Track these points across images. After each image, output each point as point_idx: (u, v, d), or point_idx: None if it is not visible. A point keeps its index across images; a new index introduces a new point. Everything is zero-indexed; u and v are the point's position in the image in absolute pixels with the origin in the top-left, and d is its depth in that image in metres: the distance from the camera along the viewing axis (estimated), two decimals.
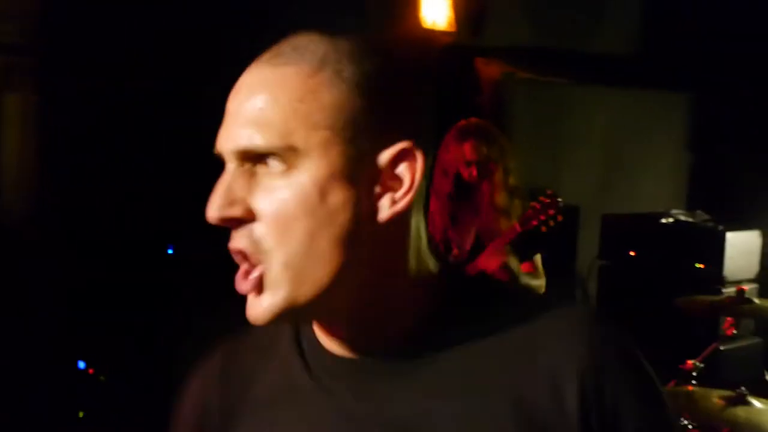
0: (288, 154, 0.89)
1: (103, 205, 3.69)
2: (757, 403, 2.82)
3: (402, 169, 0.92)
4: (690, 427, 2.98)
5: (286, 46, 0.96)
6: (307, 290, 0.90)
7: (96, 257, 3.55)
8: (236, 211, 0.90)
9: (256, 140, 0.89)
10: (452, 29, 4.76)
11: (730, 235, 4.00)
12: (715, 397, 2.88)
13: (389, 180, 0.92)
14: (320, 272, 0.90)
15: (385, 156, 0.91)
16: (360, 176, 0.90)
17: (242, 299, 0.93)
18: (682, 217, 4.26)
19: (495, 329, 0.96)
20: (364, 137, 0.90)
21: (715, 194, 5.05)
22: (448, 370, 0.94)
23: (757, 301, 3.03)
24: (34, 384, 3.34)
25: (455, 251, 3.13)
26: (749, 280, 4.00)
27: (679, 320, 3.85)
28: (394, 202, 0.92)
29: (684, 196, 5.46)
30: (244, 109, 0.91)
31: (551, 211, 2.92)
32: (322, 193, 0.88)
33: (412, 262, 0.96)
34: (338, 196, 0.89)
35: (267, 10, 4.07)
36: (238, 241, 0.91)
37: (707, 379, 3.13)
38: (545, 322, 0.97)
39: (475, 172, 3.03)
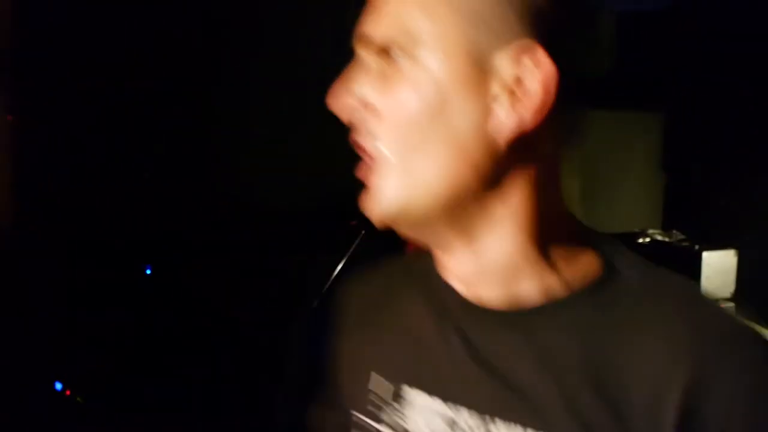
0: (404, 44, 0.83)
1: (79, 223, 3.66)
2: None
3: (528, 76, 0.83)
4: None
5: None
6: (421, 195, 0.84)
7: (72, 275, 3.51)
8: (351, 101, 0.89)
9: (372, 28, 0.87)
10: None
11: (706, 255, 4.04)
12: None
13: (515, 87, 0.82)
14: (433, 179, 0.84)
15: (506, 55, 0.81)
16: (479, 76, 0.82)
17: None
18: (659, 237, 4.28)
19: (635, 318, 0.90)
20: (487, 30, 0.82)
21: (690, 214, 5.10)
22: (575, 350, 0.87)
23: None
24: (7, 405, 3.29)
25: None
26: (725, 299, 4.03)
27: None
28: (518, 113, 0.82)
29: (659, 215, 5.50)
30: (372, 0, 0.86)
31: None
32: (438, 89, 0.82)
33: (547, 207, 0.89)
34: (456, 97, 0.82)
35: (263, 6, 4.06)
36: (357, 133, 0.89)
37: None
38: (673, 315, 0.90)
39: None
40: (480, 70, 0.83)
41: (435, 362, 0.93)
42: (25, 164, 3.69)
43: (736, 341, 0.87)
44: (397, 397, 0.94)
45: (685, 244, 4.22)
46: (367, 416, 0.97)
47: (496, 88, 0.84)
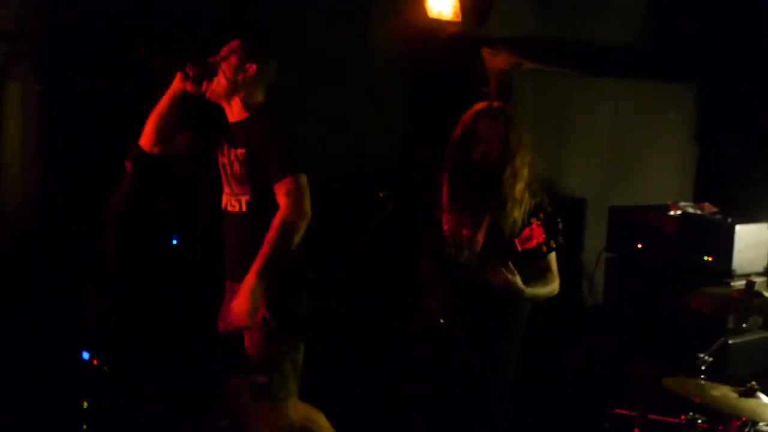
0: None
1: (106, 194, 3.68)
2: (765, 398, 2.80)
3: None
4: (699, 421, 2.97)
5: None
6: None
7: (101, 247, 3.53)
8: None
9: None
10: (458, 19, 4.74)
11: (739, 228, 3.97)
12: (725, 390, 2.86)
13: None
14: None
15: None
16: None
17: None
18: (691, 210, 4.22)
19: None
20: None
21: (723, 187, 5.03)
22: None
23: (766, 294, 3.00)
24: (38, 375, 3.33)
25: (466, 254, 3.10)
26: (758, 273, 3.98)
27: (687, 313, 3.84)
28: None
29: (691, 188, 5.43)
30: None
31: (551, 232, 2.84)
32: None
33: None
34: None
35: (272, 1, 4.05)
36: None
37: (715, 373, 3.11)
38: None
39: (483, 150, 3.00)
40: None
41: None
42: (53, 134, 3.71)
43: None
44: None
45: (717, 217, 4.15)
46: None
47: None
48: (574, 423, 3.85)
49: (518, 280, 2.89)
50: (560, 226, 2.85)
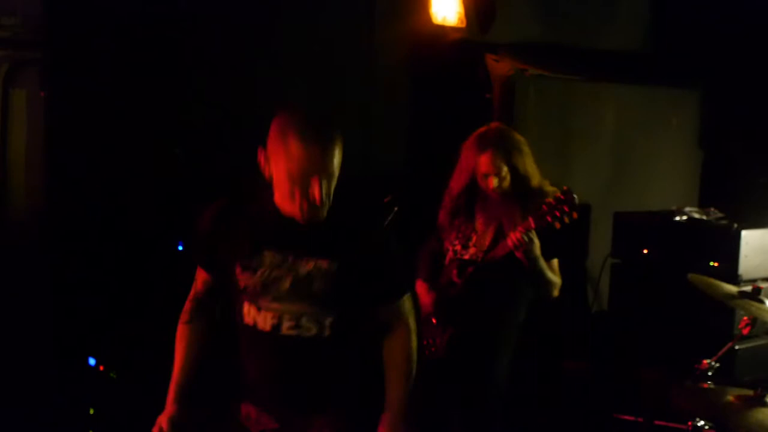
0: None
1: (111, 199, 3.68)
2: None
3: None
4: (706, 427, 2.96)
5: None
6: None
7: (106, 253, 3.53)
8: None
9: None
10: (462, 25, 4.75)
11: (745, 233, 3.96)
12: (732, 396, 2.85)
13: None
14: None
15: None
16: None
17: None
18: (696, 215, 4.21)
19: None
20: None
21: (728, 192, 5.02)
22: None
23: None
24: (45, 381, 3.33)
25: (472, 249, 3.12)
26: (765, 279, 3.97)
27: (693, 319, 3.83)
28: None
29: (695, 193, 5.43)
30: None
31: (566, 208, 2.91)
32: None
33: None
34: None
35: (278, 6, 4.05)
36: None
37: (722, 379, 3.10)
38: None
39: (492, 183, 3.03)
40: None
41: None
42: (56, 139, 3.72)
43: None
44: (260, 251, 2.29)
45: (723, 222, 4.14)
46: (246, 258, 2.30)
47: None
48: (580, 429, 3.84)
49: (537, 244, 2.92)
50: (576, 201, 2.89)
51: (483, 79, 4.79)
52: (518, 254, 2.96)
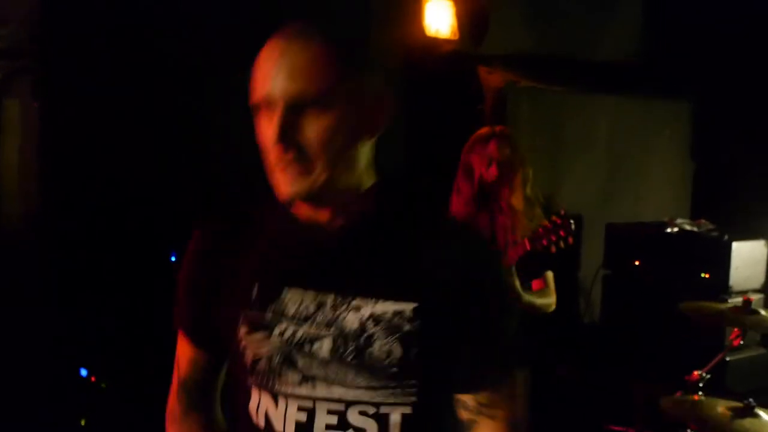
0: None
1: (105, 211, 3.67)
2: (764, 414, 2.80)
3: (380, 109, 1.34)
4: None
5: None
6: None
7: (98, 264, 3.52)
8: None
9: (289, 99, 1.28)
10: (455, 37, 4.76)
11: (736, 245, 3.98)
12: (722, 407, 2.86)
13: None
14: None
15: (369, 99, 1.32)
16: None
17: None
18: (687, 227, 4.23)
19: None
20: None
21: (720, 203, 5.04)
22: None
23: (763, 312, 3.01)
24: (35, 391, 3.31)
25: None
26: (755, 290, 3.98)
27: (684, 330, 3.84)
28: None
29: (687, 205, 5.44)
30: None
31: (562, 233, 2.91)
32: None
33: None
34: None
35: (266, 20, 4.06)
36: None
37: (713, 390, 3.11)
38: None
39: (495, 170, 3.05)
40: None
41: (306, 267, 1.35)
42: (50, 149, 3.71)
43: None
44: (277, 294, 1.34)
45: (714, 234, 4.16)
46: (254, 309, 1.35)
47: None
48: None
49: (517, 283, 2.92)
50: (573, 227, 2.89)
51: (475, 91, 4.81)
52: None
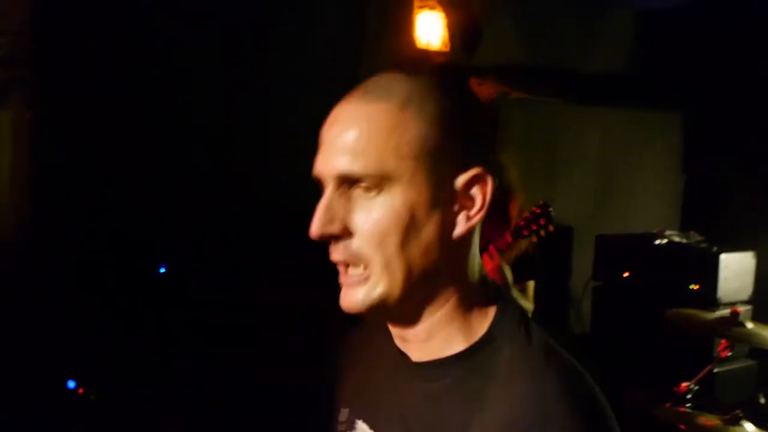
0: (381, 180, 1.03)
1: (96, 222, 3.68)
2: (750, 426, 2.81)
3: (475, 191, 1.07)
4: None
5: (375, 84, 1.10)
6: (398, 287, 1.05)
7: (88, 275, 3.52)
8: (335, 229, 1.05)
9: (354, 167, 1.03)
10: (446, 49, 4.78)
11: (724, 257, 4.00)
12: (710, 419, 2.87)
13: (464, 200, 1.07)
14: (409, 274, 1.05)
15: (461, 180, 1.07)
16: (440, 197, 1.05)
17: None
18: (676, 238, 4.25)
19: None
20: (443, 164, 1.05)
21: (709, 215, 5.06)
22: (487, 388, 1.05)
23: (750, 325, 3.02)
24: (23, 404, 3.31)
25: None
26: (743, 302, 3.99)
27: (673, 341, 3.85)
28: (468, 218, 1.07)
29: (677, 216, 5.46)
30: (341, 139, 1.06)
31: (542, 221, 2.92)
32: (411, 212, 1.03)
33: (475, 272, 1.11)
34: (423, 215, 1.04)
35: (266, 38, 4.07)
36: (338, 254, 1.07)
37: (701, 401, 3.12)
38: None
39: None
40: (441, 190, 1.06)
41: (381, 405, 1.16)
42: (42, 160, 3.71)
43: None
44: (352, 424, 1.19)
45: (702, 245, 4.18)
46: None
47: (453, 201, 1.07)
48: None
49: (508, 272, 2.92)
50: (552, 214, 2.89)
51: (467, 102, 4.81)
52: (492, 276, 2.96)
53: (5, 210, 3.72)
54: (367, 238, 1.04)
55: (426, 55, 4.73)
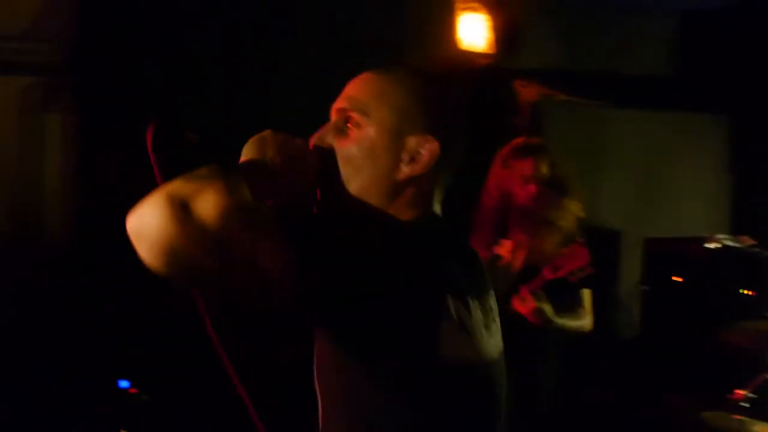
0: (361, 118, 1.43)
1: None
2: None
3: (423, 155, 1.42)
4: None
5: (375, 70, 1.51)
6: (353, 189, 1.44)
7: (139, 275, 3.55)
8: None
9: (346, 104, 1.46)
10: (490, 51, 4.76)
11: None
12: (761, 429, 2.82)
13: (414, 157, 1.42)
14: (359, 193, 1.43)
15: (413, 139, 1.42)
16: (397, 148, 1.42)
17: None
18: (729, 243, 4.19)
19: None
20: (407, 126, 1.43)
21: (758, 218, 4.98)
22: None
23: None
24: (77, 403, 3.34)
25: (501, 276, 3.07)
26: None
27: (725, 347, 3.78)
28: (412, 171, 1.42)
29: (726, 220, 5.39)
30: (345, 91, 1.50)
31: (581, 263, 2.85)
32: (371, 148, 1.42)
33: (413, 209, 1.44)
34: (380, 154, 1.42)
35: (304, 34, 4.08)
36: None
37: (755, 409, 3.07)
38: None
39: (533, 189, 2.97)
40: (397, 143, 1.42)
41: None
42: (91, 163, 3.75)
43: None
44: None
45: (756, 250, 4.11)
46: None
47: (404, 155, 1.42)
48: None
49: (547, 308, 2.86)
50: (589, 258, 2.84)
51: (511, 105, 4.79)
52: (530, 318, 2.88)
53: (54, 210, 3.76)
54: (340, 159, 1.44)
55: (469, 56, 4.72)
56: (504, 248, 3.04)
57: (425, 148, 1.41)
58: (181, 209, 1.15)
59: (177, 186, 1.19)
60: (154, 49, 3.74)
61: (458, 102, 1.51)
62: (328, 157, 1.43)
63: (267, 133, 1.44)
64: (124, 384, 3.21)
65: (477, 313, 1.41)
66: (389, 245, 1.34)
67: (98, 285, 3.55)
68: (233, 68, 3.89)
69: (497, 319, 1.51)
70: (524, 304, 2.83)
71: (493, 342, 1.46)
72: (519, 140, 3.10)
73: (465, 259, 1.48)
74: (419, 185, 1.43)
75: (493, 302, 1.51)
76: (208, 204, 1.16)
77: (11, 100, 3.75)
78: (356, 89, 1.47)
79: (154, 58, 3.74)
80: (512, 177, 3.00)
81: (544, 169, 2.99)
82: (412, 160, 1.41)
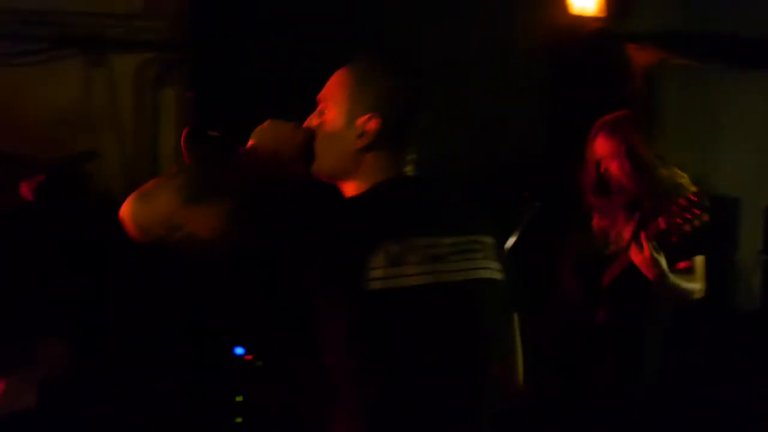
0: (326, 104, 1.77)
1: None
2: None
3: (371, 130, 1.72)
4: None
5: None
6: (324, 169, 1.77)
7: (255, 246, 3.62)
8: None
9: (320, 94, 1.81)
10: (601, 15, 4.65)
11: None
12: None
13: (365, 132, 1.73)
14: (330, 163, 1.77)
15: (362, 117, 1.74)
16: (352, 126, 1.73)
17: None
18: None
19: None
20: (360, 108, 1.73)
21: None
22: None
23: None
24: (196, 369, 3.46)
25: (612, 245, 3.03)
26: None
27: None
28: (365, 142, 1.73)
29: None
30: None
31: (697, 211, 2.77)
32: (333, 128, 1.74)
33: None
34: (342, 132, 1.73)
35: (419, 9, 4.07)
36: None
37: None
38: None
39: (627, 165, 2.93)
40: (351, 122, 1.73)
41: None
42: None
43: None
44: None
45: None
46: None
47: (357, 130, 1.73)
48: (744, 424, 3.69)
49: (663, 260, 2.80)
50: (708, 204, 2.75)
51: (624, 69, 4.68)
52: (643, 270, 2.82)
53: None
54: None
55: (580, 21, 4.62)
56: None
57: (369, 124, 1.72)
58: (145, 199, 1.57)
59: (149, 184, 1.59)
60: (267, 25, 3.80)
61: (403, 84, 1.77)
62: (310, 137, 1.79)
63: (266, 122, 1.80)
64: (239, 351, 3.31)
65: (442, 247, 1.69)
66: (335, 204, 1.72)
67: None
68: (343, 54, 3.91)
69: (487, 251, 1.77)
70: (641, 253, 2.79)
71: (464, 266, 1.74)
72: (608, 118, 3.04)
73: (435, 205, 1.76)
74: (375, 153, 1.75)
75: (484, 238, 1.78)
76: (160, 195, 1.56)
77: (128, 76, 3.89)
78: (328, 82, 1.82)
79: (267, 33, 3.80)
80: (601, 150, 2.96)
81: (631, 140, 2.92)
82: (362, 134, 1.73)
